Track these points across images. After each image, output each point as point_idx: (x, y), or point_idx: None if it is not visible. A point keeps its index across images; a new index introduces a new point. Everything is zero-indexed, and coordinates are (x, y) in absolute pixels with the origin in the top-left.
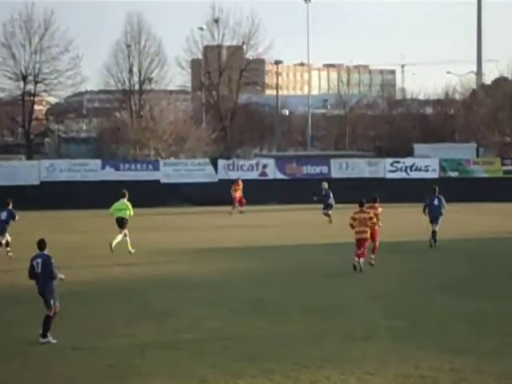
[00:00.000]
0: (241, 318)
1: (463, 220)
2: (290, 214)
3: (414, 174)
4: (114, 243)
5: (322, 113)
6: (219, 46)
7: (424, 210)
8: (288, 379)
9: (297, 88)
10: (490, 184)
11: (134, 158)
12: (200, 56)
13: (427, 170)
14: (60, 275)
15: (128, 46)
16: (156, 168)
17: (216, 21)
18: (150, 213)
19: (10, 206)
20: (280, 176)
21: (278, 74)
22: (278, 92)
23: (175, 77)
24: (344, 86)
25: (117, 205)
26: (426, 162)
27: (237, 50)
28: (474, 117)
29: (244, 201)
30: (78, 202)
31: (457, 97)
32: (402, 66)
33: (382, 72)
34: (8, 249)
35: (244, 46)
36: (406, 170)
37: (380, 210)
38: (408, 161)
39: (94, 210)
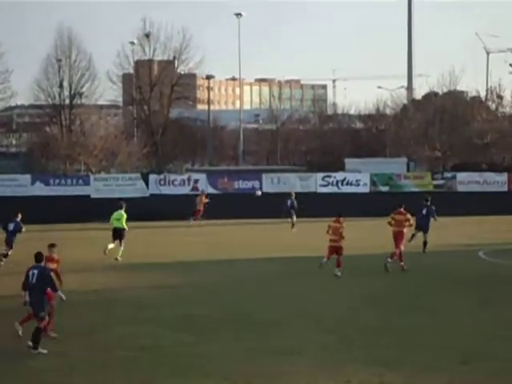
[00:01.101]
0: (171, 334)
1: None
2: (221, 228)
3: (345, 189)
4: (106, 251)
5: (254, 127)
6: (150, 61)
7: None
8: None
9: (228, 103)
10: (420, 198)
11: (64, 173)
12: (131, 70)
13: (358, 185)
14: (61, 294)
15: (58, 61)
16: (86, 183)
17: (147, 35)
18: (81, 228)
19: (19, 218)
20: (212, 191)
21: (209, 88)
22: (209, 106)
23: (106, 91)
24: (276, 101)
25: (115, 215)
26: (356, 177)
27: (168, 65)
28: (404, 131)
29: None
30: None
31: (388, 112)
32: (334, 81)
33: (313, 87)
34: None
35: (175, 61)
36: (337, 185)
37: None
38: (339, 175)
39: (24, 225)
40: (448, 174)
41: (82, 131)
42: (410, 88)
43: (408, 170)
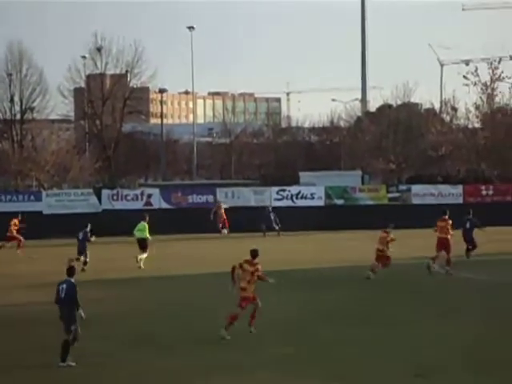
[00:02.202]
0: (129, 351)
1: (350, 247)
2: (175, 243)
3: (300, 202)
4: (140, 263)
5: (208, 141)
6: (102, 75)
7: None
8: None
9: (182, 116)
10: (375, 211)
11: (15, 188)
12: (83, 85)
13: (313, 198)
14: (82, 313)
15: (9, 75)
16: (38, 199)
17: (99, 49)
18: (33, 244)
19: (88, 228)
20: (165, 205)
21: (162, 102)
22: (162, 120)
23: (57, 106)
24: (229, 114)
25: (138, 226)
26: (311, 190)
27: (120, 79)
28: (358, 144)
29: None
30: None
31: (342, 124)
32: (288, 94)
33: (267, 100)
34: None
35: (128, 75)
36: (291, 198)
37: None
38: (294, 189)
39: None
40: (403, 187)
41: (33, 146)
42: (363, 100)
43: (363, 183)
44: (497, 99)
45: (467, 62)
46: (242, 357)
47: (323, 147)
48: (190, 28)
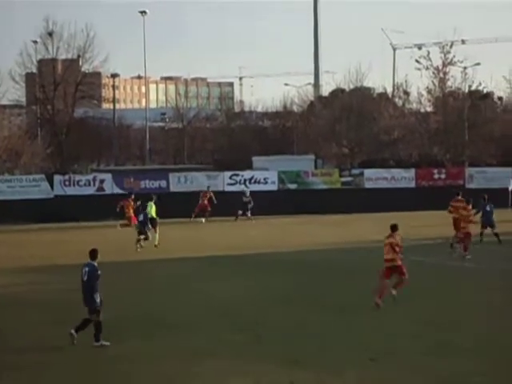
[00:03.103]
0: (84, 338)
1: (304, 232)
2: (127, 229)
3: (253, 187)
4: (156, 242)
5: (160, 126)
6: (54, 60)
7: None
8: None
9: (134, 101)
10: (328, 195)
11: None
12: (34, 70)
13: (266, 183)
14: (97, 298)
15: None
16: None
17: (50, 34)
18: None
19: (147, 209)
20: (118, 191)
21: (114, 87)
22: (114, 105)
23: (9, 91)
24: (182, 99)
25: (147, 206)
26: (264, 175)
27: (72, 64)
28: (311, 129)
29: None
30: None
31: (295, 109)
32: (240, 79)
33: (220, 84)
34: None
35: (79, 59)
36: (245, 183)
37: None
38: (247, 174)
39: None
40: (356, 171)
41: None
42: (316, 85)
43: (316, 168)
44: (449, 83)
45: (419, 47)
46: (196, 342)
47: (276, 132)
48: (143, 13)
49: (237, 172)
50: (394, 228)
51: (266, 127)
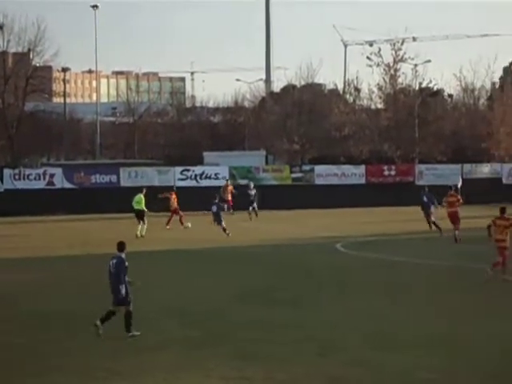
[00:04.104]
0: (28, 331)
1: (254, 228)
2: (78, 224)
3: (204, 182)
4: (138, 233)
5: (111, 121)
6: (4, 53)
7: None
8: None
9: (85, 95)
10: (279, 191)
11: None
12: None
13: (217, 178)
14: (122, 290)
15: None
16: None
17: (0, 27)
18: None
19: (216, 200)
20: (68, 185)
21: (65, 81)
22: (65, 100)
23: None
24: (133, 94)
25: (136, 198)
26: (215, 170)
27: (23, 57)
28: (263, 124)
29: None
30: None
31: (246, 104)
32: (192, 74)
33: (171, 79)
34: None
35: (30, 53)
36: (195, 178)
37: None
38: (198, 169)
39: None
40: (306, 167)
41: None
42: (268, 81)
43: (267, 163)
44: (399, 80)
45: (371, 43)
46: (147, 337)
47: (227, 127)
48: (94, 7)
49: (188, 167)
50: (503, 210)
51: (218, 123)
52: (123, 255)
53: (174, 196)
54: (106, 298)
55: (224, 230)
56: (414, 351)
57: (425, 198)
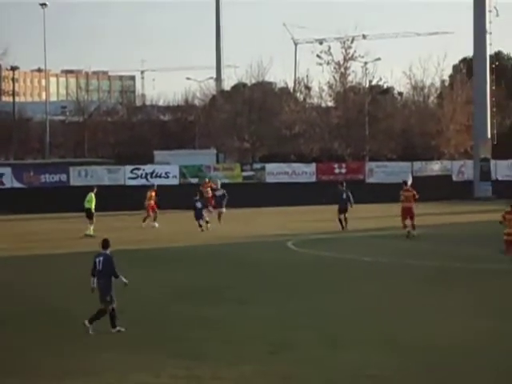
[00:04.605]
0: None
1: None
2: (25, 224)
3: (155, 181)
4: (89, 231)
5: (61, 119)
6: None
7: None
8: None
9: (34, 94)
10: (230, 190)
11: None
12: None
13: (168, 177)
14: (124, 279)
15: None
16: None
17: None
18: None
19: (197, 197)
20: (17, 185)
21: (14, 79)
22: (14, 98)
23: None
24: (83, 92)
25: (87, 197)
26: (166, 169)
27: None
28: (213, 123)
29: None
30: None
31: (196, 103)
32: (142, 72)
33: (121, 78)
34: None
35: None
36: (146, 177)
37: None
38: (148, 168)
39: None
40: (257, 165)
41: None
42: (218, 79)
43: (217, 162)
44: (349, 78)
45: (321, 42)
46: (93, 337)
47: (178, 126)
48: (43, 5)
49: (138, 166)
50: None
51: (168, 121)
52: (108, 252)
53: (153, 193)
54: (57, 299)
55: (200, 225)
56: (365, 349)
57: (344, 195)
